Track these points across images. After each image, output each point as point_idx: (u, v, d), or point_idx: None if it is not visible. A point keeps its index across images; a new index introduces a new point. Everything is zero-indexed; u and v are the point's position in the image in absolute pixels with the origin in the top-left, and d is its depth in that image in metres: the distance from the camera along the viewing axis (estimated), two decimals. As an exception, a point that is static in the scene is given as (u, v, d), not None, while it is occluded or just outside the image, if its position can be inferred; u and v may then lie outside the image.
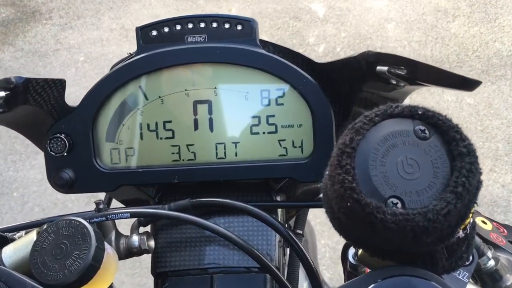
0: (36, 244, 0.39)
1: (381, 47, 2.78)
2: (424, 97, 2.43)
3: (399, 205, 0.32)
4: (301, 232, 0.63)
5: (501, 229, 0.47)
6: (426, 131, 0.34)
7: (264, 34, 2.95)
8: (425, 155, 0.33)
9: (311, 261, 0.48)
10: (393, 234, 0.32)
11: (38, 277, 0.38)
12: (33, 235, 0.42)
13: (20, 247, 0.42)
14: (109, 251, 0.41)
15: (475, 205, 0.34)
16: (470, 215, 0.35)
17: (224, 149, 0.53)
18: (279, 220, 0.55)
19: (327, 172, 0.35)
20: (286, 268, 0.59)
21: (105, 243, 0.41)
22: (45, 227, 0.40)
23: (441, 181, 0.32)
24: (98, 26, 3.14)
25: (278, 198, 0.56)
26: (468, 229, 0.36)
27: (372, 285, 0.33)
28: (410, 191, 0.33)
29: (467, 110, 2.33)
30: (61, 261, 0.38)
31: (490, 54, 2.63)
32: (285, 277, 0.54)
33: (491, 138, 2.21)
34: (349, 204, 0.33)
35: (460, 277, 0.39)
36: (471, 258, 0.40)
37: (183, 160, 0.53)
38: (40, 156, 2.41)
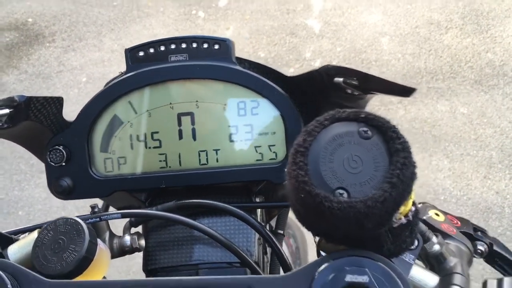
0: (37, 241, 0.45)
1: (375, 60, 2.84)
2: (419, 108, 2.48)
3: (345, 195, 0.37)
4: (281, 232, 0.68)
5: (455, 221, 0.52)
6: (369, 132, 0.39)
7: (261, 51, 3.02)
8: (368, 152, 0.39)
9: (285, 255, 0.53)
10: (339, 220, 0.37)
11: (39, 268, 0.43)
12: (34, 234, 0.47)
13: (23, 245, 0.48)
14: (102, 246, 0.46)
15: (411, 195, 0.39)
16: (410, 203, 0.40)
17: (206, 156, 0.58)
18: (259, 220, 0.60)
19: (286, 170, 0.41)
20: (268, 266, 0.64)
21: (98, 240, 0.46)
22: (45, 226, 0.45)
23: (381, 174, 0.38)
24: (100, 47, 3.22)
25: (257, 200, 0.61)
26: (410, 216, 0.41)
27: (324, 265, 0.38)
28: (354, 183, 0.38)
29: (460, 119, 2.38)
30: (59, 254, 0.44)
31: (482, 65, 2.68)
32: (268, 273, 0.59)
33: (484, 146, 2.25)
34: (302, 195, 0.38)
35: (406, 259, 0.44)
36: (416, 242, 0.44)
37: (169, 166, 0.59)
38: (44, 175, 2.47)
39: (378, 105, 2.54)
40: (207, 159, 0.58)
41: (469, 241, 0.50)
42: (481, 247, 0.51)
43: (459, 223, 0.52)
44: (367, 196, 0.37)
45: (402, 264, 0.43)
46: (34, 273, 0.41)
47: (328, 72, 0.52)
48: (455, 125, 2.37)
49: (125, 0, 3.64)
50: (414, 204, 0.41)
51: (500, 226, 1.95)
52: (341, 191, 0.38)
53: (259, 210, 0.61)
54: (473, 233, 0.51)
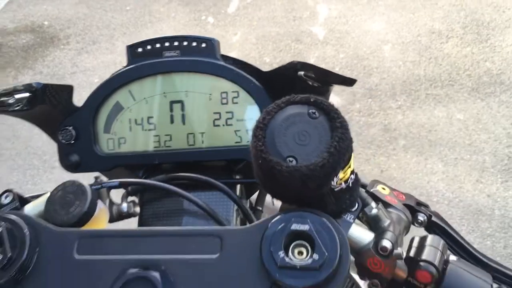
0: (49, 198, 0.55)
1: (377, 67, 2.93)
2: (417, 113, 2.56)
3: (293, 162, 0.47)
4: (260, 208, 0.78)
5: (400, 196, 0.61)
6: (316, 113, 0.49)
7: (267, 56, 3.12)
8: (314, 129, 0.48)
9: (253, 217, 0.62)
10: (288, 181, 0.46)
11: (50, 220, 0.53)
12: (47, 195, 0.57)
13: (38, 204, 0.58)
14: (101, 206, 0.56)
15: (350, 164, 0.49)
16: (349, 172, 0.49)
17: (194, 137, 0.68)
18: (238, 194, 0.69)
19: (249, 143, 0.50)
20: None
21: (99, 200, 0.56)
22: (56, 187, 0.55)
23: (323, 146, 0.47)
24: (112, 50, 3.35)
25: (237, 177, 0.70)
26: (350, 183, 0.50)
27: (276, 218, 0.48)
28: (301, 152, 0.47)
29: (456, 125, 2.46)
30: (66, 209, 0.54)
31: (480, 73, 2.76)
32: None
33: (478, 151, 2.32)
34: (260, 161, 0.47)
35: (347, 219, 0.53)
36: (356, 206, 0.54)
37: (162, 146, 0.69)
38: (56, 170, 2.59)
39: (378, 109, 2.62)
40: (194, 140, 0.68)
41: (409, 212, 0.59)
42: (421, 217, 0.60)
43: (404, 197, 0.61)
44: (310, 162, 0.46)
45: (343, 223, 0.52)
46: (45, 222, 0.51)
47: (294, 67, 0.61)
48: (451, 131, 2.44)
49: (137, 5, 3.77)
50: (354, 173, 0.51)
51: (489, 227, 2.03)
52: (291, 158, 0.47)
53: (238, 186, 0.71)
54: (415, 206, 0.60)
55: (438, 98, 2.63)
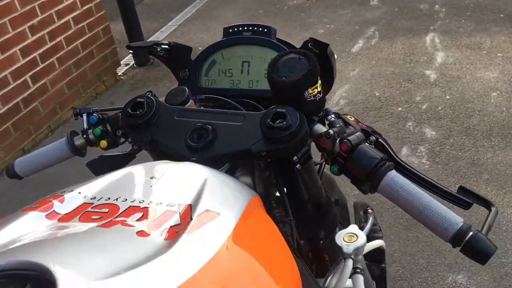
0: (168, 93, 1.03)
1: (480, 110, 3.11)
2: (507, 153, 2.70)
3: (284, 79, 0.90)
4: None
5: (363, 125, 0.98)
6: (303, 58, 0.90)
7: (377, 91, 3.46)
8: (299, 65, 0.89)
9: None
10: (281, 88, 0.89)
11: (167, 102, 1.00)
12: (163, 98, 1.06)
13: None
14: (191, 101, 1.03)
15: (317, 86, 0.89)
16: (316, 90, 0.90)
17: (252, 83, 1.12)
18: None
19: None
20: None
21: (191, 99, 1.03)
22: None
23: (301, 73, 0.89)
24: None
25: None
26: (317, 98, 0.91)
27: (271, 107, 0.91)
28: (290, 75, 0.89)
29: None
30: (176, 98, 1.01)
31: None
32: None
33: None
34: (269, 79, 0.91)
35: (314, 119, 0.93)
36: (321, 113, 0.93)
37: (234, 86, 1.14)
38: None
39: (470, 146, 2.81)
40: (252, 84, 1.12)
41: (362, 133, 0.95)
42: (372, 138, 0.95)
43: (365, 126, 0.98)
44: (292, 79, 0.89)
45: (312, 121, 0.93)
46: (164, 102, 1.00)
47: (309, 41, 1.04)
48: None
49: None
50: (321, 95, 0.91)
51: None
52: (284, 78, 0.90)
53: None
54: (369, 131, 0.97)
55: (532, 142, 2.74)
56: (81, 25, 3.59)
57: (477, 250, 0.74)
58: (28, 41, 3.15)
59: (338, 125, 0.91)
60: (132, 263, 0.53)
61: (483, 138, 2.86)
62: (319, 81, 0.91)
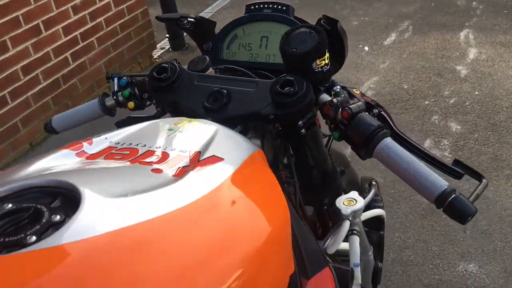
0: (190, 62, 1.13)
1: (507, 107, 3.09)
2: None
3: (295, 50, 0.97)
4: None
5: (368, 99, 1.04)
6: (313, 32, 0.98)
7: (405, 83, 3.47)
8: (309, 39, 0.97)
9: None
10: (292, 59, 0.97)
11: (189, 68, 1.10)
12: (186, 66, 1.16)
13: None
14: (211, 69, 1.12)
15: (324, 58, 0.97)
16: (323, 62, 0.97)
17: (269, 56, 1.20)
18: None
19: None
20: None
21: (211, 68, 1.12)
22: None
23: (311, 46, 0.96)
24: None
25: None
26: (324, 69, 0.98)
27: (281, 75, 0.99)
28: (301, 47, 0.96)
29: None
30: (197, 65, 1.10)
31: None
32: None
33: None
34: (282, 50, 0.99)
35: (321, 88, 1.00)
36: (328, 84, 1.01)
37: (252, 59, 1.22)
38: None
39: (494, 142, 2.81)
40: (269, 58, 1.21)
41: (365, 105, 1.02)
42: (374, 111, 1.02)
43: (370, 100, 1.05)
44: (302, 51, 0.97)
45: (319, 91, 1.00)
46: (186, 69, 1.09)
47: (321, 18, 1.11)
48: None
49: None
50: (327, 67, 0.99)
51: None
52: (295, 49, 0.98)
53: None
54: (373, 104, 1.04)
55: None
56: (121, 7, 3.74)
57: (458, 211, 0.80)
58: (71, 20, 3.31)
59: (342, 95, 0.99)
60: (142, 189, 0.63)
61: (508, 134, 2.85)
62: (327, 54, 0.99)
